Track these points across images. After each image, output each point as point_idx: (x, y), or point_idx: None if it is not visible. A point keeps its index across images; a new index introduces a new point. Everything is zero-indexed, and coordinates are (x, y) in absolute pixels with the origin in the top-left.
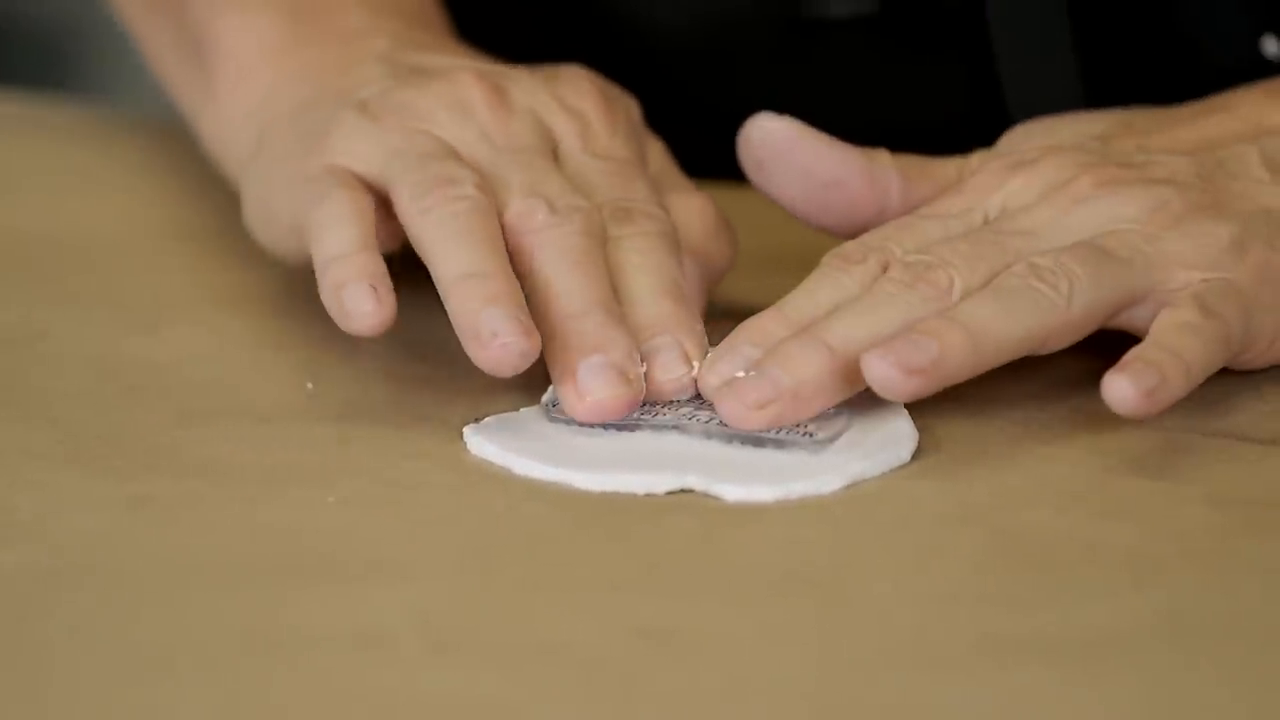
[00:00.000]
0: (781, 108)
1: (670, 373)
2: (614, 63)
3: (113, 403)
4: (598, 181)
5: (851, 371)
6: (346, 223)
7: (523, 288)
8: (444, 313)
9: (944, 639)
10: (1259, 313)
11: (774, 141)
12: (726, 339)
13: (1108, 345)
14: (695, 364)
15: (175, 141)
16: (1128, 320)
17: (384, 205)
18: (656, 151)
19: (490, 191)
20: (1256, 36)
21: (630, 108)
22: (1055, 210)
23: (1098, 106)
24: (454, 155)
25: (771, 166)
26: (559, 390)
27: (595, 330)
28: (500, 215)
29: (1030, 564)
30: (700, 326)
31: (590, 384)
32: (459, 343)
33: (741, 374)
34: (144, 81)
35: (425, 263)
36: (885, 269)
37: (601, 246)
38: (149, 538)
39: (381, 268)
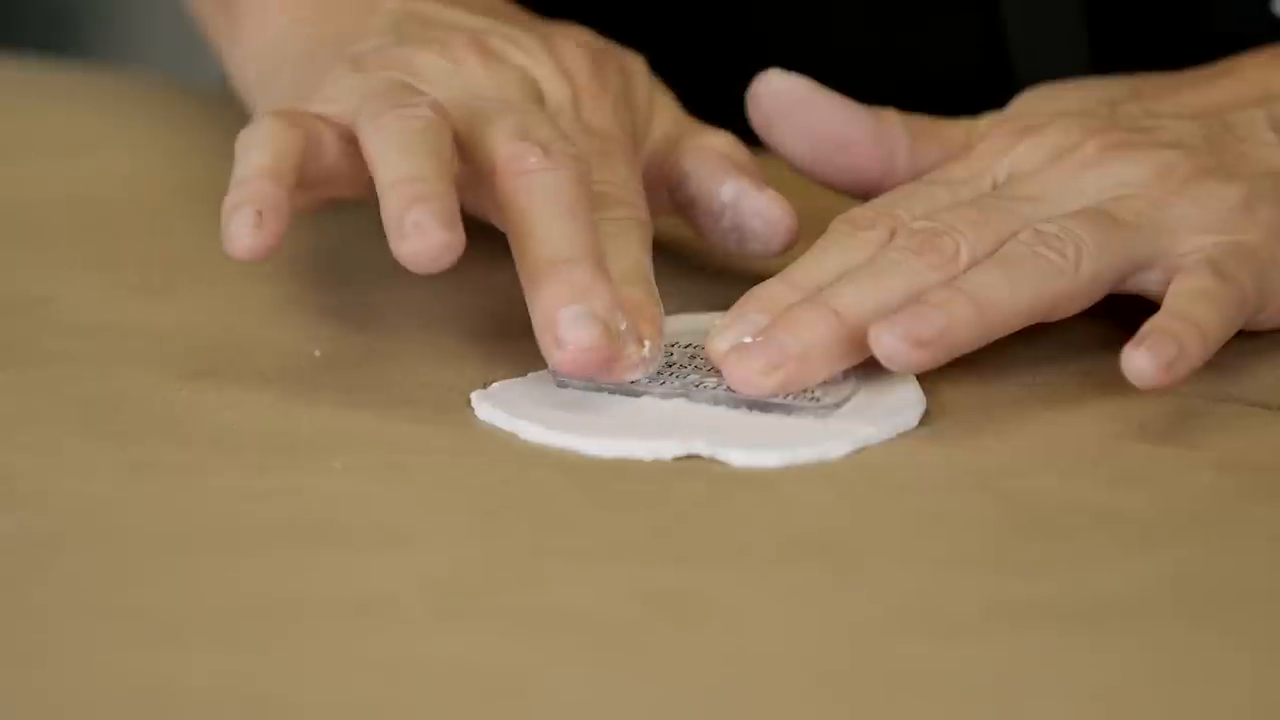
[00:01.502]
0: (791, 65)
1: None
2: (623, 17)
3: (117, 367)
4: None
5: (858, 338)
6: (258, 148)
7: (509, 232)
8: (453, 281)
9: (952, 604)
10: (1273, 271)
11: (783, 99)
12: (734, 306)
13: (1117, 309)
14: (646, 344)
15: (182, 106)
16: (1137, 285)
17: (353, 140)
18: (669, 105)
19: (449, 119)
20: None
21: (628, 68)
22: (1062, 175)
23: (1105, 66)
24: (422, 92)
25: (780, 124)
26: (539, 337)
27: (582, 279)
28: (485, 156)
29: (1039, 530)
30: (659, 310)
31: (571, 333)
32: (467, 311)
33: (749, 340)
34: (150, 45)
35: (371, 174)
36: (893, 235)
37: (591, 199)
38: (152, 503)
39: (278, 196)
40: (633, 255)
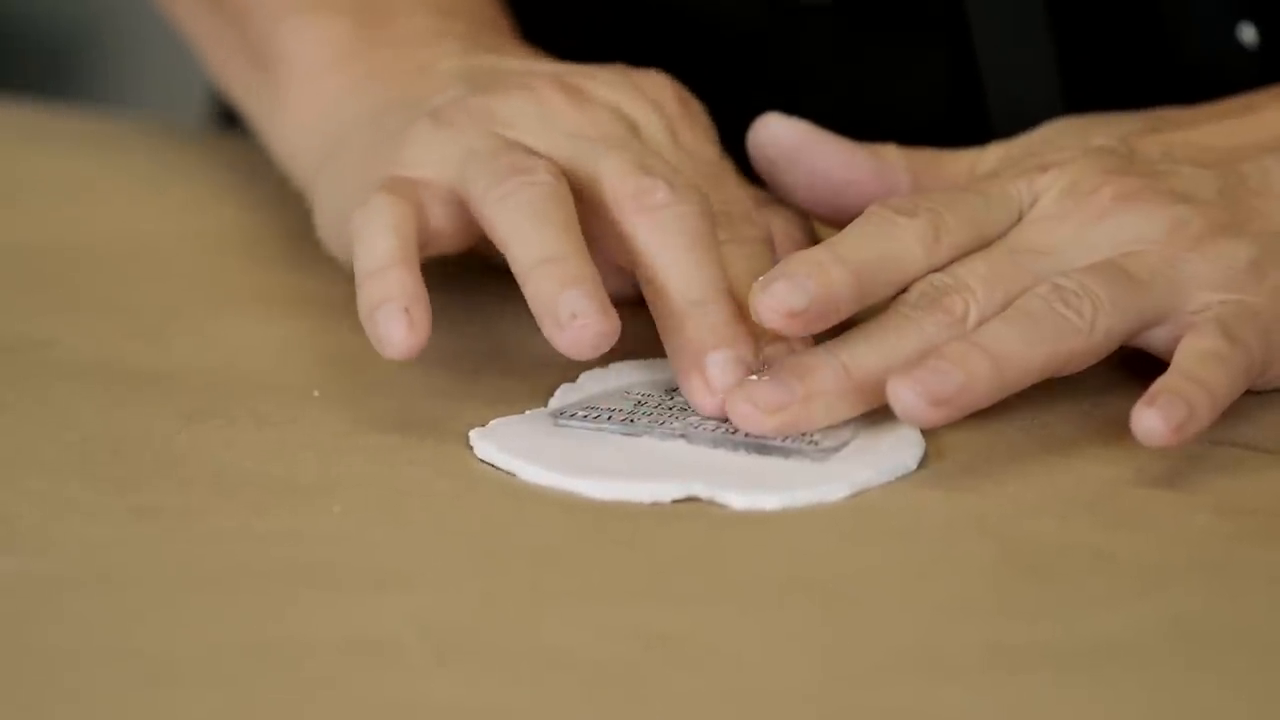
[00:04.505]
0: (763, 98)
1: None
2: (599, 55)
3: (116, 410)
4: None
5: (864, 391)
6: (383, 232)
7: (637, 269)
8: (452, 321)
9: (950, 647)
10: (1277, 333)
11: (782, 144)
12: (776, 268)
13: (1118, 362)
14: None
15: (180, 149)
16: (1144, 341)
17: (458, 204)
18: (731, 166)
19: (565, 179)
20: (1233, 24)
21: (706, 113)
22: (1075, 227)
23: (1075, 92)
24: (529, 150)
25: (782, 168)
26: (683, 380)
27: (723, 321)
28: (605, 196)
29: (1037, 573)
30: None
31: (722, 379)
32: (466, 352)
33: (754, 378)
34: (149, 88)
35: (502, 250)
36: (936, 234)
37: (716, 231)
38: (152, 546)
39: (416, 284)
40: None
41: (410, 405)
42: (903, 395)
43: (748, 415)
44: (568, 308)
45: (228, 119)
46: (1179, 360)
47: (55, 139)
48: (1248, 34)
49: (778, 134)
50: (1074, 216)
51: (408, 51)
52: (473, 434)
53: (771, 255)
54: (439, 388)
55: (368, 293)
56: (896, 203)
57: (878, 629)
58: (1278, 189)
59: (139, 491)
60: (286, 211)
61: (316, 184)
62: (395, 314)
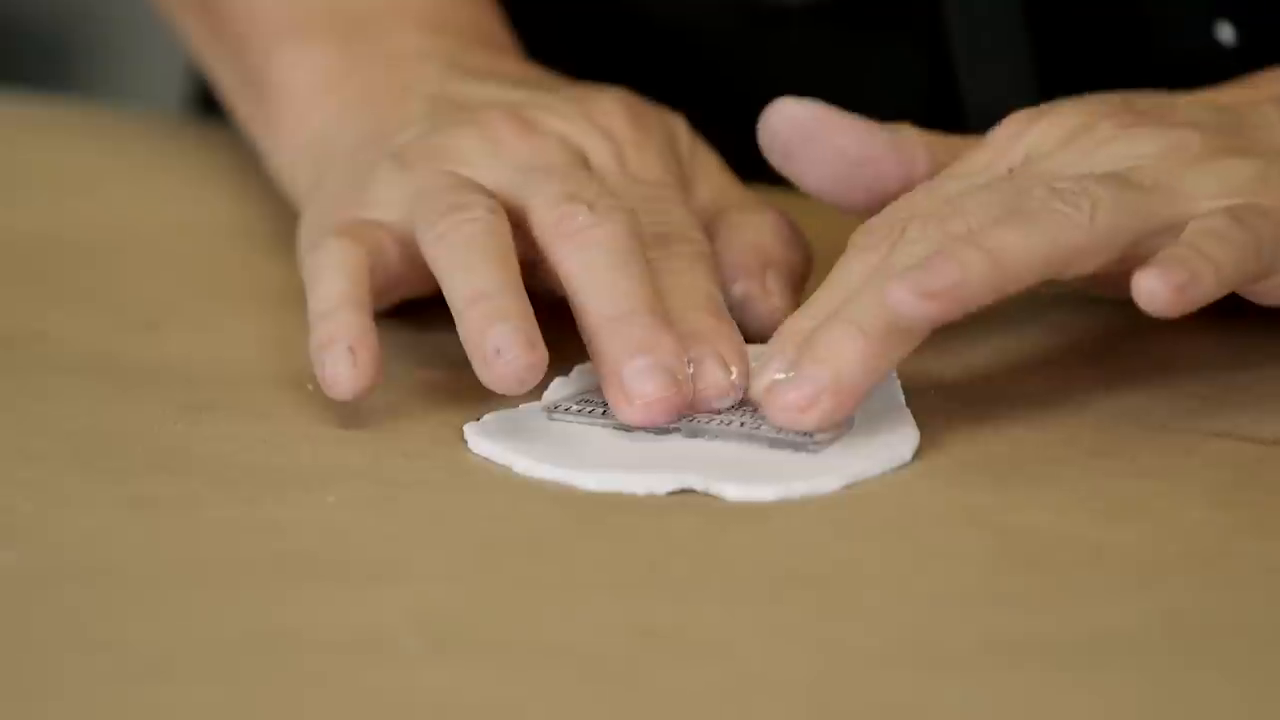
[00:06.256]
0: (739, 100)
1: (709, 379)
2: (582, 56)
3: (112, 403)
4: (632, 205)
5: (887, 344)
6: (334, 274)
7: (567, 293)
8: (447, 317)
9: (946, 639)
10: None
11: (800, 125)
12: (768, 345)
13: (1114, 350)
14: (734, 369)
15: (177, 142)
16: (1151, 252)
17: (414, 245)
18: (713, 167)
19: (505, 213)
20: (1211, 22)
21: (670, 127)
22: (1077, 153)
23: (1052, 92)
24: (473, 186)
25: (800, 151)
26: (606, 393)
27: (641, 332)
28: (534, 226)
29: (1032, 565)
30: (739, 336)
31: (638, 386)
32: (461, 346)
33: (781, 376)
34: (146, 80)
35: (441, 287)
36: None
37: (643, 250)
38: (148, 538)
39: (364, 324)
40: (703, 286)
41: (404, 398)
42: (895, 293)
43: (785, 418)
44: (493, 344)
45: (206, 104)
46: (1183, 237)
47: (55, 131)
48: (1226, 33)
49: (793, 115)
50: (1076, 145)
51: (391, 73)
52: (467, 427)
53: (712, 270)
54: (433, 381)
55: (316, 334)
56: (874, 224)
57: (873, 621)
58: (1278, 125)
59: (135, 483)
60: (281, 203)
61: (302, 210)
62: (340, 354)
